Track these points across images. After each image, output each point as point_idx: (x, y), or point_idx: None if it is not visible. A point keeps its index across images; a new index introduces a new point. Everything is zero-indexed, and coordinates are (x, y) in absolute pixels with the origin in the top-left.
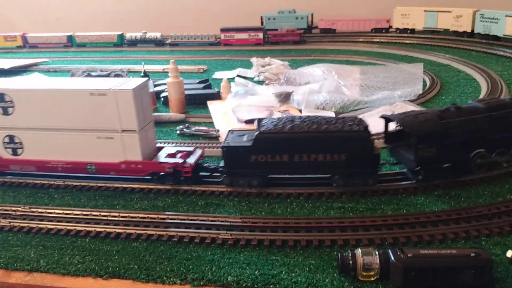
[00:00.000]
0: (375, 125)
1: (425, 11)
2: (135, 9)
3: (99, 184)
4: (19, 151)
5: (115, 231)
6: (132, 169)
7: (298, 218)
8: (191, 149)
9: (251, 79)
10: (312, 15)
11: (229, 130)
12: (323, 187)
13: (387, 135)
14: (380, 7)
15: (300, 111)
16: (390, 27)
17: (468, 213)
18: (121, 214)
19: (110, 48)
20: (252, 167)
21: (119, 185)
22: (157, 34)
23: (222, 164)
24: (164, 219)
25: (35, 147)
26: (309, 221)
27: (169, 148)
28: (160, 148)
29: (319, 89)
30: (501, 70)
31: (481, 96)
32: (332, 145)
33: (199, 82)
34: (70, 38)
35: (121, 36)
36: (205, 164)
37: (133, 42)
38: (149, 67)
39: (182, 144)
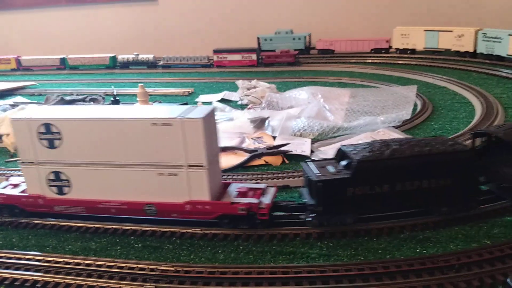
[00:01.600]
0: None
1: (425, 30)
2: (128, 31)
3: (36, 221)
4: (66, 189)
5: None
6: (199, 210)
7: (238, 267)
8: (263, 186)
9: (235, 102)
10: (309, 35)
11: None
12: (277, 228)
13: (475, 151)
14: (379, 27)
15: (274, 138)
16: (390, 47)
17: (433, 262)
18: (46, 258)
19: (103, 70)
20: (348, 202)
21: (56, 223)
22: (150, 56)
23: (307, 201)
24: (90, 265)
25: (85, 185)
26: (249, 270)
27: (238, 185)
28: (227, 185)
29: (299, 114)
30: (500, 93)
31: (473, 122)
32: (438, 168)
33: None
34: (63, 61)
35: (113, 58)
36: (283, 203)
37: (126, 64)
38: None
39: (250, 181)
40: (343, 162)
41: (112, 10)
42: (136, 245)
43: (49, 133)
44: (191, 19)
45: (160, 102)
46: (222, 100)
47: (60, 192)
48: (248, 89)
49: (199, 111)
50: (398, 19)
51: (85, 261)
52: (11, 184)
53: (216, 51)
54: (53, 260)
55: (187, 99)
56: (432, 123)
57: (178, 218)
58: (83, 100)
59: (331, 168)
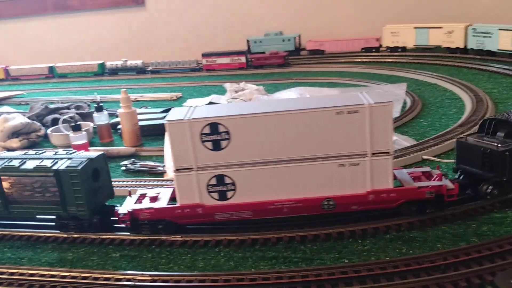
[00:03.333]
0: None
1: (415, 28)
2: (116, 37)
3: (13, 233)
4: (229, 194)
5: None
6: (382, 199)
7: (217, 274)
8: (428, 169)
9: None
10: (299, 36)
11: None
12: (259, 233)
13: None
14: (369, 26)
15: None
16: (380, 46)
17: (419, 263)
18: (20, 271)
19: (91, 77)
20: None
21: (33, 234)
22: (138, 62)
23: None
24: (65, 277)
25: (253, 187)
26: (228, 277)
27: (402, 171)
28: None
29: None
30: (491, 88)
31: (463, 118)
32: None
33: (163, 111)
34: (52, 69)
35: (102, 65)
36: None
37: (114, 71)
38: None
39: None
40: (501, 133)
41: (100, 17)
42: (114, 255)
43: (215, 134)
44: (179, 24)
45: (147, 108)
46: (210, 104)
47: (223, 197)
48: (236, 91)
49: (376, 96)
50: (387, 17)
51: (60, 272)
52: (141, 198)
53: (205, 55)
54: (27, 273)
55: (174, 104)
56: (421, 121)
57: (357, 210)
58: (68, 108)
59: (495, 140)
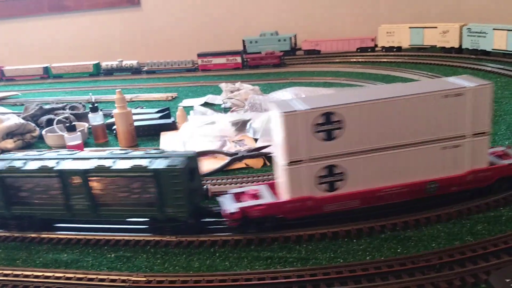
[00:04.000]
0: None
1: (410, 27)
2: (112, 37)
3: (6, 234)
4: (338, 184)
5: None
6: (479, 179)
7: (212, 275)
8: (501, 148)
9: (218, 106)
10: (295, 36)
11: None
12: (254, 233)
13: None
14: (364, 26)
15: (256, 140)
16: (376, 45)
17: (414, 262)
18: (14, 273)
19: (86, 78)
20: None
21: (27, 235)
22: (133, 62)
23: None
24: (60, 278)
25: (361, 175)
26: (224, 277)
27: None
28: None
29: None
30: None
31: None
32: None
33: (158, 111)
34: (47, 70)
35: (97, 66)
36: None
37: (110, 71)
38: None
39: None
40: None
41: (95, 17)
42: (109, 255)
43: (328, 124)
44: (175, 24)
45: (142, 108)
46: (206, 104)
47: (331, 188)
48: (232, 91)
49: (466, 79)
50: (382, 18)
51: (54, 273)
52: (238, 197)
53: (200, 55)
54: (22, 274)
55: (170, 104)
56: None
57: (455, 191)
58: (63, 108)
59: None
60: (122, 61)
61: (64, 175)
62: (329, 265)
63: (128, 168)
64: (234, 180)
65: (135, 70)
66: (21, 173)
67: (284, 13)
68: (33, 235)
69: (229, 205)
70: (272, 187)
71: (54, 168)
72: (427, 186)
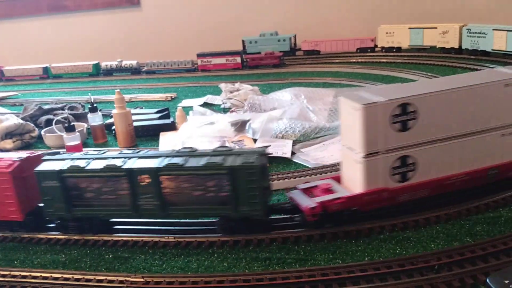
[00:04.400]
0: (334, 154)
1: (409, 28)
2: (112, 37)
3: (5, 234)
4: (409, 174)
5: None
6: None
7: (210, 276)
8: None
9: (218, 106)
10: (295, 36)
11: None
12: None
13: None
14: (364, 26)
15: (255, 140)
16: (376, 46)
17: (413, 263)
18: (12, 273)
19: (86, 78)
20: None
21: (26, 236)
22: (133, 62)
23: None
24: (58, 278)
25: (431, 165)
26: (222, 278)
27: None
28: None
29: (281, 115)
30: None
31: None
32: None
33: (157, 112)
34: (46, 70)
35: (97, 66)
36: None
37: (109, 71)
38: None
39: None
40: None
41: (95, 17)
42: (107, 256)
43: (404, 114)
44: (175, 24)
45: (141, 108)
46: (205, 104)
47: (403, 178)
48: (231, 92)
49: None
50: (382, 18)
51: (52, 274)
52: (309, 192)
53: (200, 55)
54: (20, 275)
55: (169, 104)
56: None
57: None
58: (62, 108)
59: None
60: (121, 61)
61: (133, 174)
62: (327, 266)
63: (202, 166)
64: None
65: (135, 70)
66: (85, 172)
67: (284, 13)
68: (30, 236)
69: (305, 201)
70: (337, 180)
71: (122, 167)
72: (489, 172)
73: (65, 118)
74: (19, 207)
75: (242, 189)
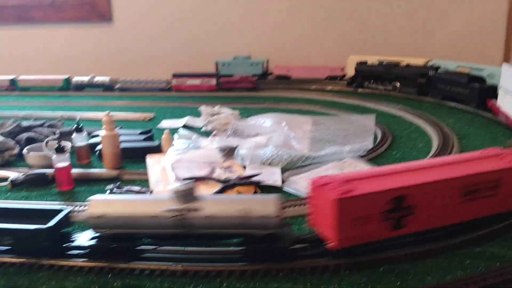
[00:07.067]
0: None
1: (378, 60)
2: (83, 52)
3: (4, 259)
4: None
5: None
6: None
7: None
8: None
9: (198, 129)
10: (267, 61)
11: None
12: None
13: None
14: (334, 55)
15: (244, 167)
16: (345, 75)
17: None
18: None
19: (56, 92)
20: None
21: (27, 261)
22: (106, 79)
23: None
24: None
25: None
26: None
27: None
28: None
29: (266, 142)
30: (453, 122)
31: (432, 152)
32: None
33: (141, 133)
34: (13, 82)
35: (67, 80)
36: None
37: (80, 87)
38: (94, 115)
39: None
40: None
41: (64, 30)
42: (115, 284)
43: None
44: (148, 42)
45: (122, 127)
46: (185, 127)
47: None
48: (212, 115)
49: None
50: (352, 49)
51: None
52: None
53: (175, 75)
54: None
55: (147, 125)
56: (394, 152)
57: None
58: (41, 125)
59: None
60: (94, 76)
61: None
62: None
63: None
64: None
65: (107, 87)
66: None
67: (257, 37)
68: (31, 261)
69: None
70: None
71: None
72: None
73: (56, 139)
74: None
75: None
